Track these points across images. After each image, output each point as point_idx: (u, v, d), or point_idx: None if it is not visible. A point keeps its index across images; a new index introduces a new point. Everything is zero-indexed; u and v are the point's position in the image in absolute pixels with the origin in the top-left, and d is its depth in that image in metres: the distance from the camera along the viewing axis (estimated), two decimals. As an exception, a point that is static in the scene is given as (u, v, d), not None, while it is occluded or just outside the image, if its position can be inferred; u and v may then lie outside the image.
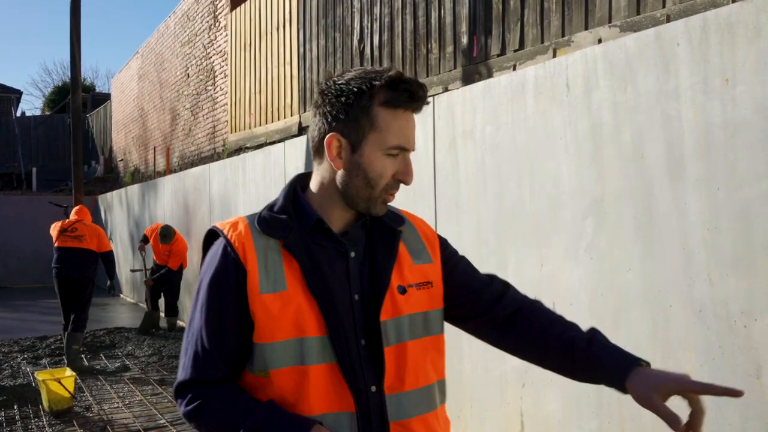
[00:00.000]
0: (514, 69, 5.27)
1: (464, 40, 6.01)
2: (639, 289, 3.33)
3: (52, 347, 8.87)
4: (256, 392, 1.50)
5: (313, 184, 1.58)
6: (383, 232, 1.59)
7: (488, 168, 4.29)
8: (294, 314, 1.45)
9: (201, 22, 13.13)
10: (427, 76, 6.50)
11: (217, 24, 12.36)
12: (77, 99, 8.06)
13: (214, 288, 1.49)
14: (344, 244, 1.54)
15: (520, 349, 1.69)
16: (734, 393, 1.39)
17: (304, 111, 8.87)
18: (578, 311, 3.64)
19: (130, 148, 19.07)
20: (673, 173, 3.17)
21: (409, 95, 1.46)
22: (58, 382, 6.01)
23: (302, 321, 1.45)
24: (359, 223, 1.58)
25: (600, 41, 4.52)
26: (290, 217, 1.53)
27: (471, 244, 4.43)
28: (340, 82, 1.48)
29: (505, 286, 1.72)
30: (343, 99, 1.47)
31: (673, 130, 3.17)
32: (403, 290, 1.55)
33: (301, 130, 8.82)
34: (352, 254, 1.54)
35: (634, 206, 3.35)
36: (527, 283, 3.97)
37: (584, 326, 3.47)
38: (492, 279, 1.72)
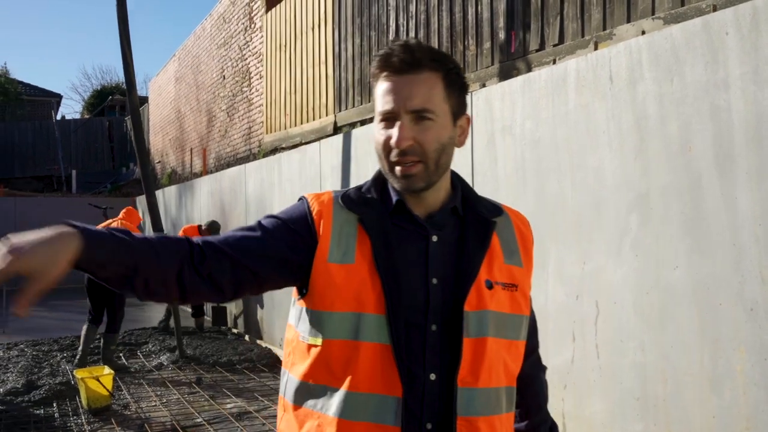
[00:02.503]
0: (554, 64, 5.17)
1: (502, 35, 5.93)
2: (686, 286, 3.22)
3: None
4: (305, 358, 1.48)
5: None
6: (476, 221, 1.55)
7: (528, 164, 4.21)
8: (357, 288, 1.43)
9: (237, 24, 13.19)
10: (465, 72, 6.42)
11: (252, 25, 12.40)
12: (134, 99, 8.12)
13: (277, 218, 1.53)
14: (425, 227, 1.51)
15: None
16: None
17: (339, 111, 8.85)
18: (622, 310, 3.55)
19: (167, 150, 19.24)
20: (722, 166, 3.06)
21: (380, 61, 1.47)
22: (96, 380, 6.05)
23: (364, 296, 1.42)
24: (447, 208, 1.54)
25: (643, 34, 4.41)
26: (374, 197, 1.53)
27: (510, 241, 4.34)
28: None
29: (536, 343, 1.77)
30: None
31: (722, 122, 3.06)
32: (490, 285, 1.50)
33: (336, 129, 8.79)
34: (434, 238, 1.50)
35: (681, 201, 3.25)
36: (568, 282, 3.88)
37: (628, 326, 3.35)
38: (535, 329, 1.75)
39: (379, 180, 1.57)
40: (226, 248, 1.45)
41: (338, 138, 6.93)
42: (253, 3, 12.38)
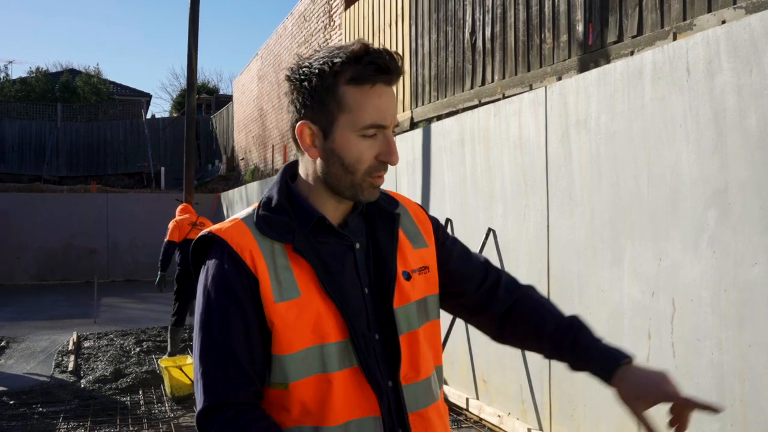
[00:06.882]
0: (632, 56, 5.06)
1: (579, 28, 5.83)
2: (765, 284, 3.12)
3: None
4: (273, 407, 1.39)
5: (301, 176, 1.48)
6: (382, 218, 1.51)
7: (603, 158, 4.14)
8: (313, 321, 1.36)
9: (317, 22, 13.37)
10: (541, 66, 6.35)
11: (331, 23, 12.55)
12: (192, 101, 8.45)
13: (229, 296, 1.36)
14: (348, 237, 1.45)
15: (516, 344, 1.68)
16: (714, 408, 1.36)
17: (416, 106, 8.88)
18: (700, 308, 3.46)
19: (250, 147, 19.68)
20: (804, 160, 2.95)
21: (375, 67, 1.32)
22: (179, 369, 6.27)
23: (322, 327, 1.37)
24: (357, 212, 1.49)
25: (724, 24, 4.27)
26: (289, 216, 1.43)
27: (585, 237, 4.29)
28: (304, 65, 1.37)
29: (498, 275, 1.65)
30: (306, 83, 1.36)
31: (804, 114, 2.95)
32: (408, 276, 1.48)
33: (413, 125, 8.83)
34: (357, 246, 1.46)
35: (760, 196, 3.14)
36: (644, 278, 3.80)
37: (705, 325, 3.27)
38: (486, 268, 1.65)
39: (284, 192, 1.46)
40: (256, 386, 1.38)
41: (414, 133, 6.96)
42: (332, 1, 12.54)
